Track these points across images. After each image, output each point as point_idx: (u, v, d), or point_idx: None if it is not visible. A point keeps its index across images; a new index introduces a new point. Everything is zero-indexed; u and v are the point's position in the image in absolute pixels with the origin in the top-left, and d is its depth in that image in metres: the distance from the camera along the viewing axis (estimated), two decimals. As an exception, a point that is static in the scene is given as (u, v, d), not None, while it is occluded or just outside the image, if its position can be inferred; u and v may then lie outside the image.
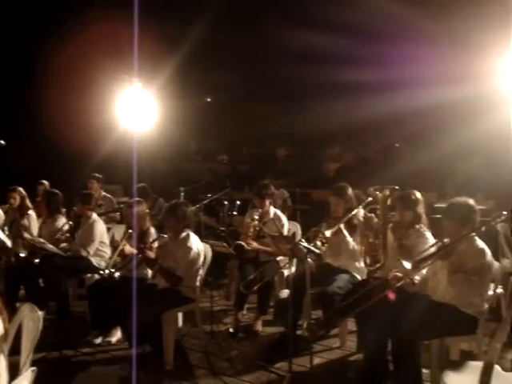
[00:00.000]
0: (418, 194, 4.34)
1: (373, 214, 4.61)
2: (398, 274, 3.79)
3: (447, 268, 3.58)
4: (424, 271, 3.87)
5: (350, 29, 8.78)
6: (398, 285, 3.74)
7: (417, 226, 4.26)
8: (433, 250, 3.72)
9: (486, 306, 3.69)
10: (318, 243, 4.33)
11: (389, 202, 4.35)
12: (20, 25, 10.36)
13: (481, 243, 3.63)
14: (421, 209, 4.28)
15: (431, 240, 4.16)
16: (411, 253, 4.01)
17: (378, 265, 4.36)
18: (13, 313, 2.94)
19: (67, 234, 5.62)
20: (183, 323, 4.99)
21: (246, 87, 10.86)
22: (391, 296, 3.62)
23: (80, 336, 4.98)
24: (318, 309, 4.62)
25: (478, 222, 3.66)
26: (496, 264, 4.32)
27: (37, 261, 5.46)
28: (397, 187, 4.39)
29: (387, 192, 4.31)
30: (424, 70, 7.94)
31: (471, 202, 3.71)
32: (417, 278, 3.90)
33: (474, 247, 3.59)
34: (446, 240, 3.69)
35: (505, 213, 3.94)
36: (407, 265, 3.83)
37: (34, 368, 2.35)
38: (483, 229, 3.59)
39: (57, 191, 6.19)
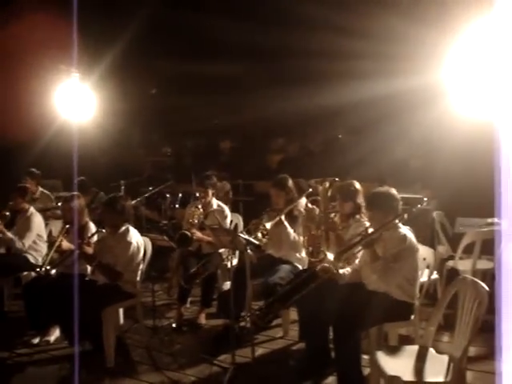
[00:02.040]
0: (358, 185, 4.40)
1: (314, 206, 4.66)
2: (325, 265, 3.86)
3: (369, 257, 3.66)
4: (356, 261, 3.95)
5: (293, 21, 8.83)
6: (327, 276, 3.82)
7: (357, 217, 4.32)
8: (356, 240, 3.77)
9: (417, 290, 3.79)
10: (259, 235, 4.35)
11: (329, 193, 4.40)
12: None
13: (404, 230, 3.71)
14: (360, 199, 4.36)
15: (370, 230, 4.25)
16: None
17: (319, 257, 4.42)
18: None
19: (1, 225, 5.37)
20: (124, 319, 4.88)
21: (189, 79, 10.74)
22: None
23: (16, 336, 4.82)
24: (260, 300, 4.65)
25: (400, 209, 3.74)
26: (431, 250, 4.47)
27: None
28: (337, 179, 4.45)
29: (327, 184, 4.36)
30: (365, 63, 8.07)
31: (392, 190, 3.80)
32: (347, 269, 3.98)
33: (395, 234, 3.67)
34: (370, 229, 3.78)
35: (426, 199, 4.10)
36: (330, 256, 3.92)
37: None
38: (406, 216, 3.68)
39: None
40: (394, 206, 3.72)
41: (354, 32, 8.11)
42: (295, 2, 8.77)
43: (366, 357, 3.74)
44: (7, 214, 5.44)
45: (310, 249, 4.44)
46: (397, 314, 3.67)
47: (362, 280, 3.88)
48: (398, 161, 7.55)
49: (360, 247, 3.67)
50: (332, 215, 4.49)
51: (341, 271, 3.90)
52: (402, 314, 3.69)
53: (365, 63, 8.10)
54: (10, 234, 5.28)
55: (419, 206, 3.84)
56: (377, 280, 3.67)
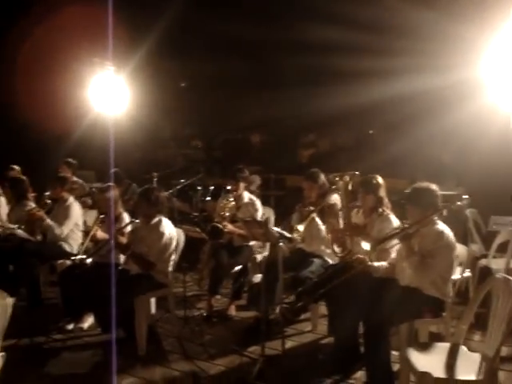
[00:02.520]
0: (380, 179, 4.40)
1: (335, 202, 4.65)
2: (360, 256, 3.85)
3: (405, 251, 3.65)
4: (392, 256, 3.94)
5: (327, 17, 8.78)
6: (361, 267, 3.81)
7: (380, 210, 4.31)
8: (393, 232, 3.79)
9: (451, 287, 3.76)
10: (296, 235, 4.37)
11: (350, 187, 4.40)
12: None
13: (442, 226, 3.69)
14: (382, 192, 4.35)
15: (395, 223, 4.24)
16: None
17: (345, 252, 4.42)
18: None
19: (41, 211, 5.49)
20: (156, 309, 4.98)
21: (221, 73, 10.79)
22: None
23: (52, 322, 4.92)
24: (291, 293, 4.68)
25: (439, 205, 3.73)
26: (463, 248, 4.43)
27: (6, 246, 5.38)
28: (357, 172, 4.45)
29: (347, 178, 4.36)
30: (399, 59, 7.99)
31: (434, 186, 3.78)
32: (383, 263, 3.97)
33: (433, 230, 3.66)
34: (406, 224, 3.76)
35: (465, 197, 4.05)
36: (366, 246, 3.91)
37: (2, 353, 2.32)
38: (445, 212, 3.66)
39: (22, 178, 6.10)
40: (434, 202, 3.71)
41: (390, 28, 8.04)
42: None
43: (395, 353, 3.73)
44: (48, 202, 5.57)
45: (335, 245, 4.46)
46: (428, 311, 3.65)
47: (394, 275, 3.87)
48: (431, 157, 7.47)
49: (396, 240, 3.66)
50: (355, 211, 4.49)
51: (376, 264, 3.89)
52: (435, 310, 3.67)
53: (400, 59, 8.02)
54: (49, 221, 5.41)
55: (459, 203, 3.81)
56: (410, 275, 3.66)
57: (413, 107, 8.33)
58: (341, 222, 4.52)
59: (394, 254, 3.92)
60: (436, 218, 3.68)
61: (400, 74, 7.80)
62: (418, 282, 3.64)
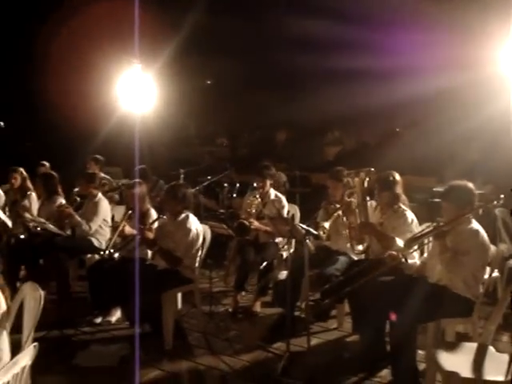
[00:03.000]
0: (397, 175, 4.38)
1: (352, 199, 4.64)
2: (393, 253, 3.83)
3: (439, 247, 3.62)
4: (425, 254, 3.92)
5: (349, 16, 8.73)
6: (394, 264, 3.79)
7: (395, 206, 4.29)
8: (428, 230, 3.76)
9: (481, 288, 3.72)
10: (321, 233, 4.37)
11: (365, 184, 4.38)
12: (18, 8, 10.28)
13: (476, 225, 3.66)
14: (399, 189, 4.32)
15: (411, 220, 4.21)
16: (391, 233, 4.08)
17: (364, 248, 4.41)
18: (14, 292, 2.97)
19: (70, 208, 5.59)
20: (182, 304, 5.03)
21: (247, 72, 10.80)
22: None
23: (80, 316, 5.02)
24: (316, 291, 4.68)
25: (475, 204, 3.70)
26: (493, 248, 4.36)
27: (37, 241, 5.51)
28: (372, 169, 4.43)
29: (363, 175, 4.34)
30: (425, 55, 7.91)
31: (470, 185, 3.74)
32: (416, 260, 3.95)
33: (468, 228, 3.63)
34: (441, 221, 3.73)
35: (502, 196, 3.98)
36: (400, 242, 3.89)
37: (35, 343, 2.38)
38: (481, 212, 3.63)
39: (53, 173, 6.21)
40: (471, 201, 3.68)
41: (416, 24, 7.96)
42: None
43: (421, 352, 3.71)
44: (77, 199, 5.67)
45: (353, 242, 4.45)
46: (458, 310, 3.62)
47: (424, 272, 3.84)
48: (459, 155, 7.37)
49: (430, 237, 3.64)
50: (373, 208, 4.47)
51: (410, 261, 3.87)
52: (463, 310, 3.63)
53: (426, 55, 7.94)
54: (78, 218, 5.50)
55: (495, 202, 3.76)
56: (441, 272, 3.64)
57: (440, 104, 8.24)
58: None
59: (425, 253, 3.90)
60: (471, 216, 3.64)
61: (427, 70, 7.72)
62: (447, 280, 3.61)
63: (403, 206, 4.29)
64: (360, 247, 4.48)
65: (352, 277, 4.00)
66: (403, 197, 4.34)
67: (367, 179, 4.35)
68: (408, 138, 9.09)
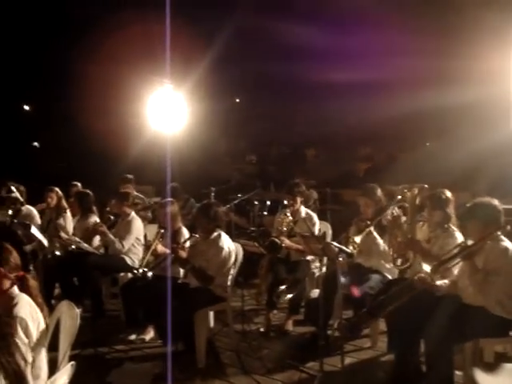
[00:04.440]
0: (449, 194, 4.29)
1: (401, 213, 4.58)
2: (422, 275, 3.76)
3: (468, 268, 3.54)
4: (455, 272, 3.84)
5: (378, 27, 8.74)
6: (423, 287, 3.73)
7: (446, 226, 4.21)
8: (455, 251, 3.67)
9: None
10: (351, 248, 4.33)
11: (417, 200, 4.32)
12: (55, 27, 10.60)
13: (507, 243, 3.56)
14: (451, 209, 4.23)
15: (460, 240, 4.12)
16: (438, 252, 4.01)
17: (406, 264, 4.34)
18: (49, 310, 3.02)
19: (104, 227, 5.67)
20: (214, 322, 5.03)
21: (274, 88, 10.88)
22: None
23: (114, 333, 5.07)
24: (348, 309, 4.63)
25: (502, 221, 3.60)
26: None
27: (72, 259, 5.60)
28: (426, 185, 4.36)
29: (416, 191, 4.28)
30: (456, 67, 7.84)
31: (495, 201, 3.66)
32: (445, 281, 3.87)
33: (498, 247, 3.53)
34: (469, 241, 3.65)
35: None
36: (426, 268, 3.82)
37: (73, 362, 2.42)
38: (509, 227, 3.53)
39: (88, 191, 6.32)
40: (496, 218, 3.59)
41: (449, 35, 7.91)
42: (371, 3, 8.70)
43: (459, 373, 3.63)
44: (111, 217, 5.75)
45: (395, 256, 4.38)
46: (494, 330, 3.52)
47: (457, 292, 3.77)
48: (492, 169, 7.26)
49: (459, 259, 3.57)
50: (420, 224, 4.41)
51: (438, 283, 3.80)
52: (500, 330, 3.54)
53: (458, 67, 7.87)
54: (111, 236, 5.58)
55: None
56: (474, 293, 3.55)
57: (472, 117, 8.14)
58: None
59: (455, 271, 3.82)
60: (500, 233, 3.56)
61: (459, 81, 7.65)
62: (482, 300, 3.53)
63: (453, 227, 4.20)
64: (399, 262, 4.41)
65: (392, 296, 3.94)
66: (454, 216, 4.24)
67: (419, 196, 4.29)
68: (439, 151, 9.00)
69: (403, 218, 4.47)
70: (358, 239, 4.48)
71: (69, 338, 2.89)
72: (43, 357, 2.81)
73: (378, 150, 9.72)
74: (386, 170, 8.81)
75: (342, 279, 4.64)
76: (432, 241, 4.25)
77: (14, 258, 2.93)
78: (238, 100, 13.21)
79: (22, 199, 6.54)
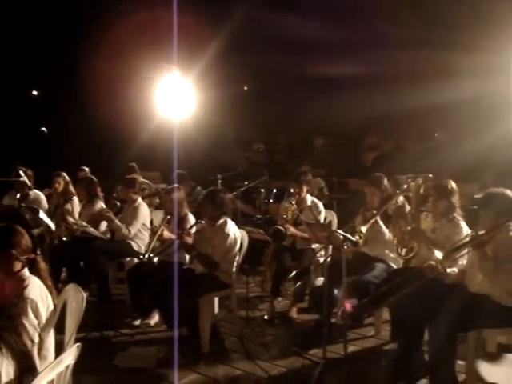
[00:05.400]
0: (454, 184, 4.28)
1: (405, 202, 4.58)
2: (432, 263, 3.77)
3: (478, 256, 3.54)
4: (463, 262, 3.84)
5: (385, 19, 8.68)
6: (433, 274, 3.73)
7: (450, 216, 4.21)
8: (466, 240, 3.68)
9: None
10: (357, 237, 4.33)
11: (422, 190, 4.31)
12: (63, 14, 10.60)
13: None
14: (456, 199, 4.23)
15: (466, 230, 4.12)
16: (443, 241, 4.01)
17: (411, 254, 4.34)
18: (56, 294, 3.05)
19: (110, 213, 5.70)
20: (219, 308, 5.07)
21: (283, 77, 10.84)
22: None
23: (119, 318, 5.13)
24: (353, 297, 4.64)
25: None
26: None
27: (78, 244, 5.65)
28: (430, 175, 4.35)
29: (420, 180, 4.27)
30: (463, 59, 7.79)
31: (509, 192, 3.65)
32: (454, 269, 3.88)
33: (509, 236, 3.53)
34: (480, 230, 3.65)
35: None
36: (438, 254, 3.82)
37: (79, 344, 2.45)
38: None
39: (92, 177, 6.35)
40: (509, 209, 3.58)
41: (454, 24, 7.85)
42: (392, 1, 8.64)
43: (461, 362, 3.64)
44: (118, 203, 5.78)
45: (400, 245, 4.39)
46: (499, 320, 3.53)
47: (464, 281, 3.77)
48: (501, 160, 7.23)
49: (469, 247, 3.57)
50: (424, 214, 4.41)
51: (448, 270, 3.81)
52: (505, 320, 3.54)
53: (468, 58, 7.82)
54: (118, 222, 5.62)
55: None
56: (482, 281, 3.55)
57: (480, 109, 8.09)
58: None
59: (464, 260, 3.82)
60: (510, 223, 3.56)
61: (467, 73, 7.60)
62: (489, 289, 3.53)
63: (458, 216, 4.19)
64: (403, 252, 4.41)
65: (397, 286, 3.95)
66: (459, 206, 4.24)
67: (423, 186, 4.28)
68: (447, 142, 8.97)
69: (407, 208, 4.47)
70: (363, 229, 4.48)
71: (75, 321, 2.93)
72: (51, 338, 2.86)
73: (385, 140, 9.68)
74: (394, 160, 8.80)
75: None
76: (437, 231, 4.25)
77: (26, 240, 2.97)
78: (245, 88, 13.17)
79: (29, 183, 6.57)
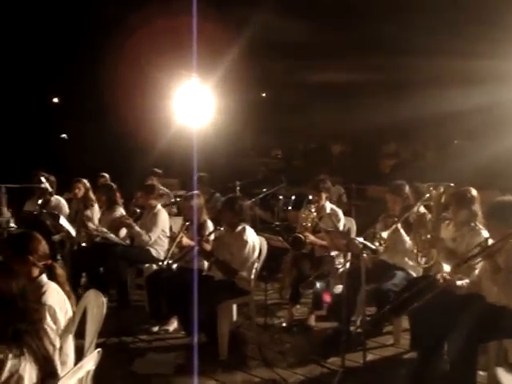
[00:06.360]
0: (474, 192, 4.21)
1: (426, 211, 4.53)
2: (445, 275, 3.73)
3: (490, 267, 3.48)
4: (476, 272, 3.79)
5: (407, 26, 8.65)
6: (445, 285, 3.69)
7: (472, 225, 4.15)
8: (476, 250, 3.61)
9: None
10: (377, 244, 4.30)
11: (443, 199, 4.26)
12: (84, 22, 10.75)
13: None
14: (477, 207, 4.17)
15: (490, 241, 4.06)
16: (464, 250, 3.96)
17: (430, 263, 4.30)
18: (75, 299, 3.08)
19: (130, 219, 5.73)
20: (237, 315, 5.07)
21: (301, 83, 10.85)
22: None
23: (138, 324, 5.15)
24: (372, 305, 4.61)
25: None
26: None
27: (98, 249, 5.69)
28: (452, 184, 4.30)
29: (441, 189, 4.22)
30: (482, 66, 7.73)
31: None
32: (466, 281, 3.82)
33: None
34: (490, 240, 3.60)
35: None
36: (446, 267, 3.77)
37: (99, 349, 2.47)
38: None
39: (112, 184, 6.41)
40: None
41: (475, 34, 7.80)
42: (409, 7, 8.61)
43: (482, 373, 3.59)
44: (138, 210, 5.82)
45: (420, 254, 4.34)
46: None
47: (480, 291, 3.72)
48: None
49: (479, 258, 3.52)
50: (446, 223, 4.36)
51: (459, 282, 3.76)
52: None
53: (485, 65, 7.75)
54: (138, 228, 5.65)
55: None
56: (498, 292, 3.51)
57: (500, 114, 8.02)
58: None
59: (476, 271, 3.77)
60: None
61: (486, 80, 7.54)
62: (506, 300, 3.48)
63: (479, 225, 4.13)
64: (423, 261, 4.37)
65: (417, 294, 3.91)
66: (480, 214, 4.17)
67: (445, 194, 4.23)
68: (467, 149, 8.89)
69: (428, 216, 4.43)
70: (384, 234, 4.44)
71: (95, 326, 2.95)
72: (70, 343, 2.89)
73: (403, 147, 9.63)
74: (412, 167, 8.74)
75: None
76: (457, 240, 4.20)
77: (43, 246, 3.01)
78: (264, 94, 13.20)
79: (51, 189, 6.66)
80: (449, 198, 4.26)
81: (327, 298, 4.26)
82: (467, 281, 3.81)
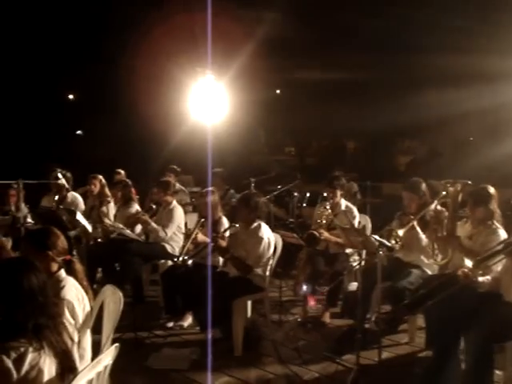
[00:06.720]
0: (492, 190, 4.17)
1: (443, 208, 4.50)
2: (465, 270, 3.70)
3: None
4: (498, 269, 3.75)
5: (423, 23, 8.59)
6: (466, 282, 3.66)
7: (489, 223, 4.11)
8: (499, 247, 3.57)
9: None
10: (393, 242, 4.28)
11: (460, 197, 4.22)
12: (101, 19, 10.80)
13: None
14: (494, 205, 4.13)
15: (504, 237, 4.02)
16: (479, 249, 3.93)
17: (445, 260, 4.27)
18: (92, 294, 3.11)
19: (146, 216, 5.75)
20: (252, 311, 5.08)
21: (315, 80, 10.82)
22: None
23: (153, 319, 5.19)
24: (387, 303, 4.60)
25: None
26: None
27: (114, 245, 5.73)
28: (469, 182, 4.26)
29: (459, 186, 4.18)
30: (500, 64, 7.65)
31: None
32: (487, 277, 3.79)
33: None
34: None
35: None
36: (468, 263, 3.74)
37: (117, 344, 2.49)
38: None
39: (128, 180, 6.45)
40: None
41: (494, 32, 7.72)
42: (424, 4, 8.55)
43: (499, 372, 3.57)
44: (153, 206, 5.85)
45: (436, 251, 4.32)
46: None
47: (499, 289, 3.69)
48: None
49: (502, 255, 3.49)
50: (463, 220, 4.33)
51: (480, 279, 3.73)
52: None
53: (503, 63, 7.67)
54: (154, 225, 5.68)
55: None
56: None
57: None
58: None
59: (498, 268, 3.74)
60: None
61: (503, 78, 7.47)
62: (526, 299, 3.46)
63: (497, 223, 4.09)
64: (439, 259, 4.34)
65: (432, 292, 3.89)
66: (498, 213, 4.13)
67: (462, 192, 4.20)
68: (483, 146, 8.81)
69: (445, 214, 4.40)
70: (400, 232, 4.42)
71: (112, 321, 2.98)
72: (88, 338, 2.92)
73: (419, 144, 9.57)
74: (428, 164, 8.69)
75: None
76: (474, 237, 4.16)
77: (62, 242, 3.04)
78: (278, 91, 13.18)
79: (67, 186, 6.71)
80: (466, 195, 4.23)
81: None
82: (488, 277, 3.78)
